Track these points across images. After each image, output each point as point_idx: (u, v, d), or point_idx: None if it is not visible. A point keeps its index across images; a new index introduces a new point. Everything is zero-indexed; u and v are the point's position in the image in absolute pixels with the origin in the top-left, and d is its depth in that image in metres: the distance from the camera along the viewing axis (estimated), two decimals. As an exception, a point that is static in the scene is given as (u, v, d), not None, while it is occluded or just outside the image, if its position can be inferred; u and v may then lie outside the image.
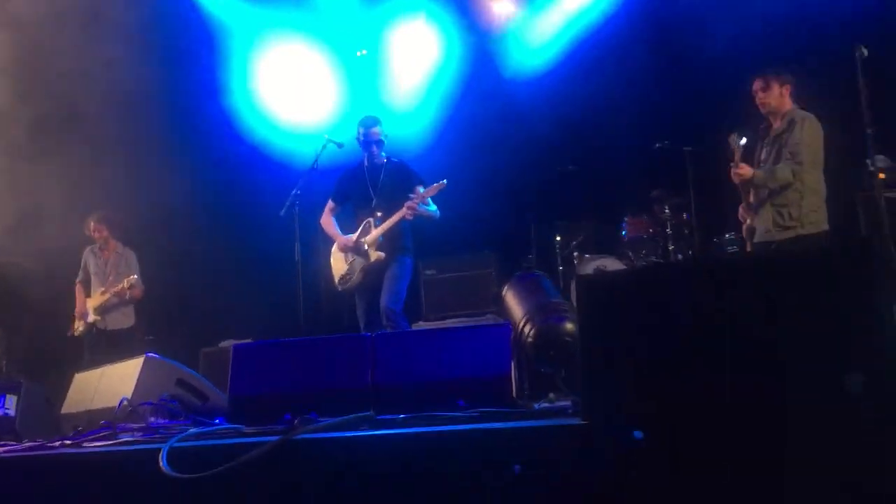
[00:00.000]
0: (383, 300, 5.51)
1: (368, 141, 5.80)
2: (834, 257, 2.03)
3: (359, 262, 5.72)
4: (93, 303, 7.20)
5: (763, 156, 5.50)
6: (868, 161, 5.21)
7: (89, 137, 6.93)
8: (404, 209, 5.56)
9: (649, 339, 2.26)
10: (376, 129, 5.83)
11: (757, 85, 5.48)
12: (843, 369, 2.00)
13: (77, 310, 7.31)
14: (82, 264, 7.39)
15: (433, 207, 5.75)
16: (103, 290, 7.15)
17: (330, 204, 5.98)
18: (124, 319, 7.25)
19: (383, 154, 5.88)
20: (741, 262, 2.17)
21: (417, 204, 5.59)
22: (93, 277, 7.33)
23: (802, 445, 2.05)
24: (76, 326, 7.29)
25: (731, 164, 5.38)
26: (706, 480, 2.16)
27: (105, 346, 6.94)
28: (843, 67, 5.18)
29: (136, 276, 7.10)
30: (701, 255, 7.01)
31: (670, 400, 2.22)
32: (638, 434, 2.17)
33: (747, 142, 5.42)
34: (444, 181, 5.65)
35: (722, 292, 2.16)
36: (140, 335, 7.28)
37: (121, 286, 7.03)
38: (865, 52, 4.99)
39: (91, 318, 7.14)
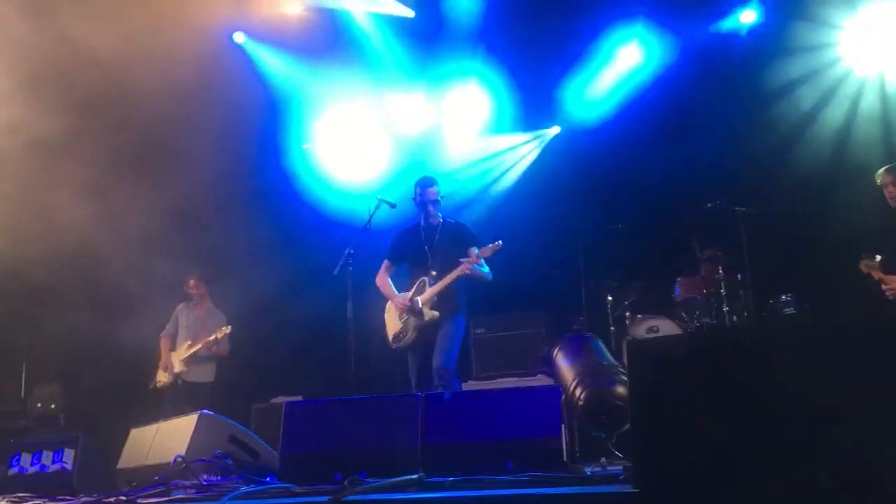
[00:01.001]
0: (437, 360, 5.52)
1: (425, 201, 5.87)
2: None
3: (413, 321, 5.74)
4: (179, 355, 7.37)
5: None
6: None
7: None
8: (460, 268, 5.61)
9: (702, 407, 2.23)
10: (433, 190, 5.89)
11: (887, 179, 5.54)
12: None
13: (162, 362, 7.46)
14: (172, 318, 7.59)
15: (486, 269, 5.77)
16: (190, 343, 7.33)
17: (386, 263, 6.04)
18: (206, 374, 7.39)
19: (439, 214, 5.94)
20: (793, 331, 2.14)
21: (472, 264, 5.64)
22: (182, 331, 7.49)
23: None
24: (159, 378, 7.44)
25: (882, 285, 5.36)
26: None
27: (184, 398, 7.05)
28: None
29: (229, 328, 7.26)
30: (756, 318, 6.88)
31: (724, 470, 2.18)
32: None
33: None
34: (500, 242, 5.69)
35: (782, 360, 2.12)
36: (219, 392, 7.36)
37: (214, 336, 7.20)
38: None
39: (178, 368, 7.29)
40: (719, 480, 2.21)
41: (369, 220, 5.83)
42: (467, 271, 5.60)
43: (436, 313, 5.66)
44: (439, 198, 5.90)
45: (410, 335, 5.73)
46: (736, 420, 2.21)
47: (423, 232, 5.90)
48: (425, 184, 5.92)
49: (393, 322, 5.89)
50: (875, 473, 1.99)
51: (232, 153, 7.60)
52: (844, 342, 2.07)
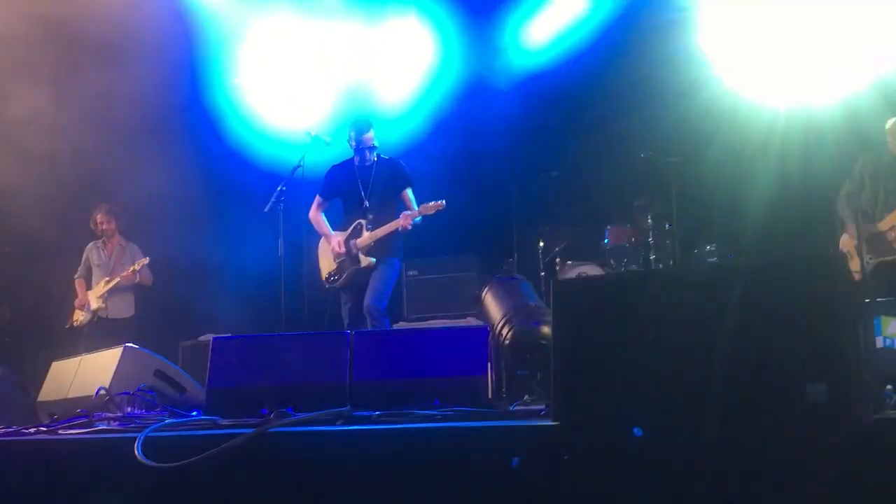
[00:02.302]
0: (368, 298, 5.55)
1: (361, 147, 5.81)
2: (803, 271, 2.08)
3: (348, 263, 5.74)
4: (96, 292, 7.24)
5: None
6: None
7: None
8: (399, 222, 5.61)
9: (621, 345, 2.31)
10: (370, 135, 5.83)
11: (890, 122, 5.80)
12: (807, 379, 2.05)
13: (78, 301, 7.33)
14: (83, 259, 7.43)
15: (419, 218, 5.77)
16: (108, 278, 7.18)
17: (318, 199, 5.98)
18: (125, 309, 7.28)
19: (378, 153, 5.90)
20: (711, 273, 2.22)
21: (412, 220, 5.63)
22: (95, 270, 7.36)
23: (768, 455, 2.10)
24: (76, 317, 7.30)
25: None
26: (672, 482, 2.21)
27: (104, 334, 6.92)
28: None
29: (147, 259, 7.15)
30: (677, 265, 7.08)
31: (639, 405, 2.27)
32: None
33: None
34: (443, 202, 5.69)
35: (693, 301, 2.21)
36: (142, 327, 7.26)
37: (130, 269, 7.09)
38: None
39: (94, 305, 7.16)
40: (632, 415, 2.29)
41: (302, 158, 5.76)
42: (407, 227, 5.61)
43: (372, 260, 5.68)
44: (375, 143, 5.84)
45: (345, 277, 5.75)
46: (650, 358, 2.29)
47: (357, 171, 5.85)
48: (361, 128, 5.84)
49: (327, 261, 5.87)
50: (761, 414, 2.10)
51: (151, 82, 7.33)
52: (748, 284, 2.17)
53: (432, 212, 5.66)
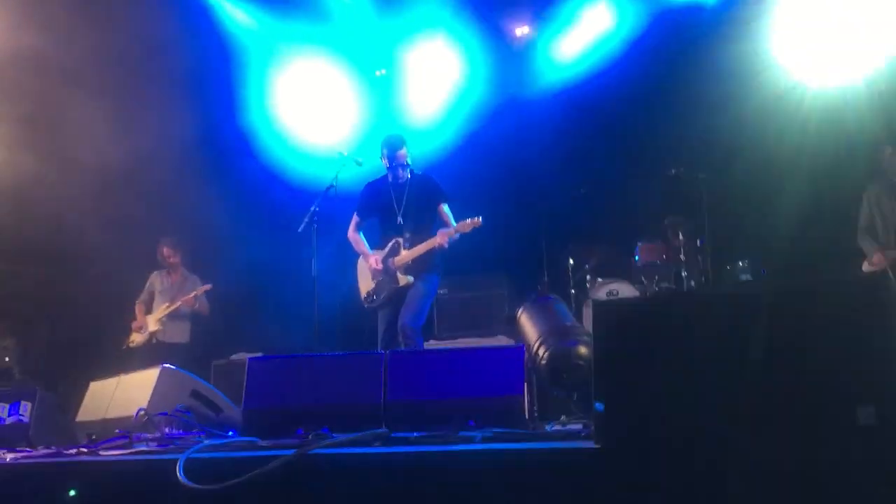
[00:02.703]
0: (403, 317, 5.49)
1: (394, 165, 5.76)
2: (850, 292, 2.06)
3: (386, 283, 5.70)
4: (156, 315, 7.40)
5: None
6: None
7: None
8: (436, 240, 5.57)
9: (661, 367, 2.28)
10: (403, 153, 5.76)
11: (889, 150, 6.04)
12: (857, 402, 2.02)
13: (136, 324, 7.49)
14: (147, 285, 7.62)
15: (457, 236, 5.73)
16: (168, 304, 7.36)
17: (355, 218, 5.95)
18: (181, 334, 7.42)
19: (412, 170, 5.88)
20: (756, 293, 2.20)
21: (448, 238, 5.60)
22: (158, 296, 7.54)
23: (817, 475, 2.07)
24: (133, 339, 7.47)
25: None
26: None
27: (159, 357, 6.98)
28: None
29: (209, 286, 7.34)
30: (714, 284, 7.02)
31: (681, 428, 2.25)
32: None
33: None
34: (480, 219, 5.65)
35: (736, 323, 2.19)
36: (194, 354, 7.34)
37: (192, 295, 7.28)
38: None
39: (152, 327, 7.31)
40: (674, 437, 2.27)
41: (335, 178, 5.79)
42: (444, 245, 5.58)
43: (410, 278, 5.64)
44: (409, 161, 5.81)
45: (383, 297, 5.70)
46: (692, 379, 2.27)
47: (391, 188, 5.82)
48: (394, 145, 5.79)
49: (366, 280, 5.84)
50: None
51: (189, 111, 7.46)
52: (793, 305, 2.14)
53: (469, 229, 5.62)
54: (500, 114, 8.08)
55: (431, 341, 6.80)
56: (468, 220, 5.63)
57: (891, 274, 5.71)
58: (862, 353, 2.01)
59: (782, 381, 2.09)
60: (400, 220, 5.72)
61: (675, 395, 2.26)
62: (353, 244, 5.92)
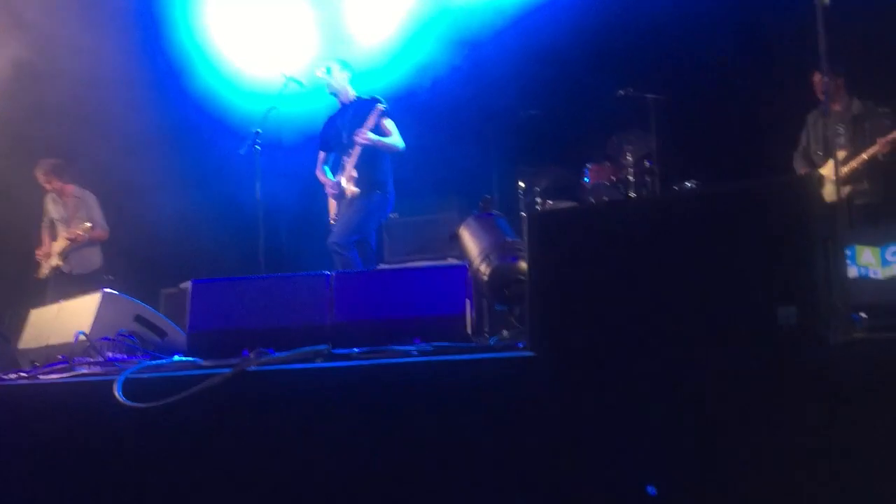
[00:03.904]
0: (332, 234, 5.57)
1: (333, 91, 5.90)
2: (770, 196, 2.09)
3: (341, 201, 5.80)
4: (57, 247, 7.21)
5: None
6: None
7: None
8: (357, 140, 5.61)
9: (594, 275, 2.32)
10: (339, 77, 5.89)
11: (817, 77, 6.03)
12: (778, 302, 2.07)
13: (41, 252, 7.30)
14: (44, 210, 7.38)
15: (391, 138, 5.75)
16: (65, 235, 7.16)
17: (320, 154, 6.07)
18: (89, 263, 7.25)
19: (352, 93, 5.91)
20: (681, 200, 2.22)
21: (364, 132, 5.60)
22: (56, 223, 7.33)
23: (738, 376, 2.14)
24: (42, 269, 7.26)
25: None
26: (648, 410, 2.25)
27: (70, 289, 6.89)
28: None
29: (89, 224, 7.08)
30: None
31: (613, 334, 2.29)
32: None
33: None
34: (380, 104, 5.70)
35: (661, 230, 2.22)
36: (102, 274, 7.25)
37: (77, 233, 7.04)
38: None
39: (54, 261, 7.13)
40: (609, 345, 2.32)
41: (276, 99, 5.71)
42: (364, 141, 5.59)
43: (356, 189, 5.68)
44: (346, 84, 5.82)
45: (340, 207, 5.82)
46: (623, 287, 2.30)
47: (338, 114, 5.89)
48: (330, 72, 5.86)
49: (332, 206, 5.96)
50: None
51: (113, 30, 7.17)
52: (714, 210, 2.18)
53: (373, 119, 5.68)
54: (449, 37, 7.93)
55: (381, 265, 6.80)
56: (371, 112, 5.65)
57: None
58: (782, 256, 2.05)
59: (705, 285, 2.14)
60: (345, 140, 5.74)
61: (605, 302, 2.30)
62: (319, 179, 5.97)
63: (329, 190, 5.82)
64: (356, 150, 5.67)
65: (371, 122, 5.64)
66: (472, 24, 7.88)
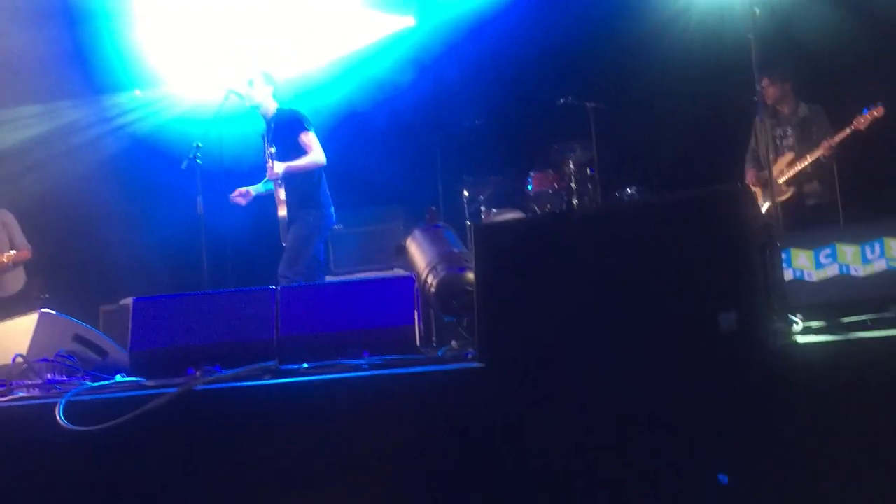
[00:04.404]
0: (281, 266, 5.52)
1: (253, 105, 5.78)
2: (710, 205, 2.14)
3: (283, 224, 5.76)
4: None
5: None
6: None
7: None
8: (272, 172, 5.58)
9: (540, 284, 2.35)
10: (258, 91, 5.75)
11: (764, 83, 6.04)
12: (719, 309, 2.13)
13: None
14: None
15: (309, 156, 5.64)
16: None
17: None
18: (14, 284, 7.03)
19: (271, 106, 5.82)
20: (625, 210, 2.27)
21: (272, 168, 5.54)
22: None
23: (685, 382, 2.18)
24: None
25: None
26: (596, 417, 2.28)
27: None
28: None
29: (13, 252, 6.84)
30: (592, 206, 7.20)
31: (559, 342, 2.32)
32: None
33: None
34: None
35: (604, 238, 2.26)
36: (36, 293, 7.04)
37: (1, 261, 6.80)
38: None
39: None
40: (556, 354, 2.35)
41: (218, 111, 5.62)
42: (275, 178, 5.53)
43: (284, 213, 5.65)
44: (262, 98, 5.73)
45: (283, 236, 5.77)
46: (572, 297, 2.34)
47: (265, 129, 5.84)
48: (249, 86, 5.77)
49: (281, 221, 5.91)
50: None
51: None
52: (657, 220, 2.23)
53: (282, 170, 5.57)
54: (393, 46, 7.95)
55: (328, 277, 6.76)
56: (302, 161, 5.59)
57: (759, 193, 6.04)
58: (722, 262, 2.10)
59: (649, 293, 2.18)
60: (267, 160, 5.68)
61: (551, 311, 2.33)
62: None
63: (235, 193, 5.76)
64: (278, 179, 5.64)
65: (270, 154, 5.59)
66: (417, 39, 7.93)
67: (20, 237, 6.99)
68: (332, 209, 5.90)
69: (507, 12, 7.60)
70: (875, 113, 5.83)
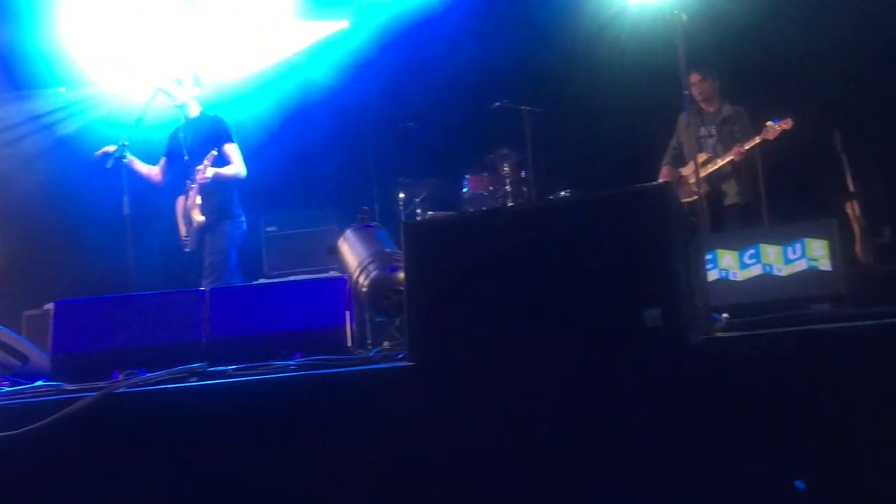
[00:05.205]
0: (205, 284, 5.46)
1: (178, 104, 5.72)
2: (633, 202, 2.18)
3: (193, 227, 5.66)
4: None
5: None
6: None
7: None
8: (198, 178, 5.54)
9: (469, 283, 2.35)
10: (182, 90, 5.72)
11: (696, 78, 6.28)
12: (643, 304, 2.16)
13: None
14: None
15: (232, 167, 5.64)
16: None
17: (161, 160, 5.87)
18: None
19: (195, 109, 5.77)
20: (549, 207, 2.29)
21: (203, 171, 5.50)
22: None
23: (608, 378, 2.21)
24: None
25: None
26: (525, 415, 2.29)
27: None
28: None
29: None
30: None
31: (489, 341, 2.33)
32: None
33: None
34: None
35: (532, 236, 2.28)
36: None
37: None
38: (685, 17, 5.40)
39: None
40: (485, 352, 2.36)
41: (145, 108, 5.51)
42: (204, 181, 5.49)
43: (202, 218, 5.58)
44: (186, 99, 5.69)
45: (193, 241, 5.67)
46: (501, 295, 2.35)
47: (182, 129, 5.77)
48: (174, 84, 5.73)
49: (180, 224, 5.78)
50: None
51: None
52: (580, 216, 2.26)
53: (208, 164, 5.54)
54: (325, 48, 7.89)
55: (261, 279, 6.68)
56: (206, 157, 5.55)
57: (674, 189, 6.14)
58: (646, 260, 2.14)
59: (575, 290, 2.21)
60: (188, 161, 5.63)
61: (481, 310, 2.34)
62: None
63: (180, 209, 5.67)
64: (196, 185, 5.58)
65: (208, 161, 5.52)
66: (351, 41, 7.88)
67: None
68: (244, 218, 5.91)
69: (442, 15, 7.62)
70: (783, 125, 6.03)
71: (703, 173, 6.26)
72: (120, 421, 2.63)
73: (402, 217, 7.39)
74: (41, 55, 7.40)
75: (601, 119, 7.32)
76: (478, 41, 7.43)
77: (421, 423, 2.42)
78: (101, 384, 2.92)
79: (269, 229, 7.13)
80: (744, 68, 6.82)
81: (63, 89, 7.69)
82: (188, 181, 5.64)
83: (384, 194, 7.48)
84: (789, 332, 2.19)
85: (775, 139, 6.08)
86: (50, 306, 6.29)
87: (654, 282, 2.11)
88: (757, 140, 6.14)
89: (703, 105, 6.53)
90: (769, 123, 6.08)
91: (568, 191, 7.39)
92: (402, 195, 7.44)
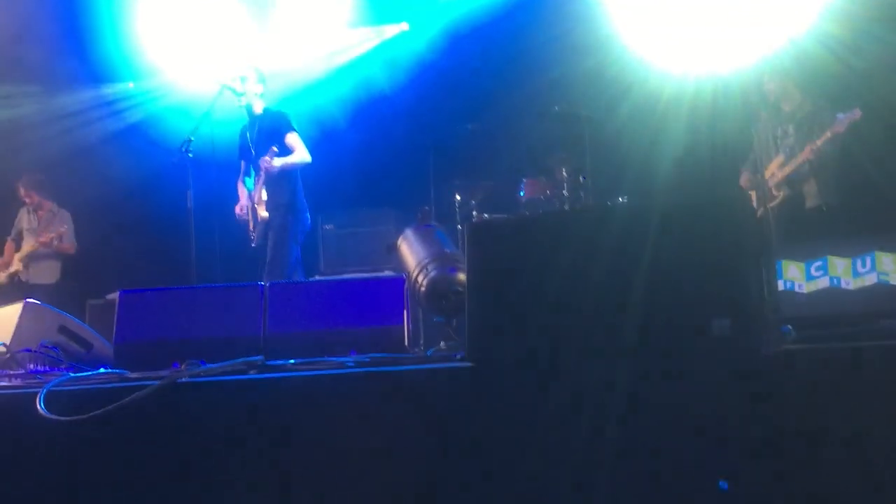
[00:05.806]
0: (266, 278, 5.54)
1: (240, 104, 5.85)
2: (706, 211, 2.13)
3: (258, 223, 5.76)
4: (20, 254, 7.21)
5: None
6: None
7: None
8: (262, 165, 5.64)
9: (531, 285, 2.32)
10: (249, 87, 5.84)
11: (770, 86, 6.15)
12: (713, 314, 2.12)
13: (1, 261, 7.27)
14: (16, 223, 7.42)
15: (297, 155, 5.74)
16: (31, 244, 7.18)
17: (242, 164, 6.09)
18: (48, 274, 7.23)
19: (261, 105, 5.87)
20: (623, 213, 2.25)
21: (269, 160, 5.62)
22: (26, 234, 7.33)
23: (674, 385, 2.17)
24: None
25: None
26: (585, 418, 2.26)
27: (22, 298, 6.69)
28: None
29: (66, 227, 7.17)
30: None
31: (550, 344, 2.30)
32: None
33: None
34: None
35: (600, 241, 2.24)
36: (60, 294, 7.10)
37: (50, 236, 7.09)
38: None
39: (14, 266, 7.15)
40: (546, 355, 2.33)
41: (211, 106, 5.61)
42: (270, 169, 5.59)
43: (266, 214, 5.69)
44: (254, 95, 5.80)
45: (258, 235, 5.76)
46: (564, 298, 2.32)
47: (248, 126, 5.87)
48: (240, 81, 5.83)
49: (252, 221, 5.92)
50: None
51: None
52: (654, 224, 2.21)
53: (279, 164, 5.66)
54: (388, 49, 7.95)
55: (318, 276, 6.73)
56: (293, 158, 5.67)
57: (752, 195, 5.96)
58: (718, 269, 2.09)
59: (642, 297, 2.16)
60: (254, 156, 5.74)
61: (542, 313, 2.31)
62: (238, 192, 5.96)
63: (237, 212, 5.80)
64: (262, 176, 5.67)
65: (273, 161, 5.63)
66: (412, 43, 7.93)
67: (70, 233, 7.37)
68: (308, 214, 6.01)
69: (503, 18, 7.60)
70: (852, 117, 5.74)
71: (780, 175, 6.05)
72: (181, 409, 2.67)
73: (459, 219, 7.38)
74: (114, 47, 7.64)
75: (663, 124, 7.21)
76: (538, 44, 7.38)
77: (478, 423, 2.40)
78: (163, 373, 2.97)
79: (327, 227, 7.19)
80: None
81: (131, 84, 7.90)
82: (256, 176, 5.76)
83: (440, 195, 7.48)
84: (869, 346, 2.11)
85: (846, 132, 5.78)
86: (114, 296, 6.46)
87: (725, 292, 2.06)
88: (828, 135, 5.83)
89: (781, 104, 6.23)
90: (838, 116, 5.80)
91: (626, 197, 7.32)
92: (458, 197, 7.43)
